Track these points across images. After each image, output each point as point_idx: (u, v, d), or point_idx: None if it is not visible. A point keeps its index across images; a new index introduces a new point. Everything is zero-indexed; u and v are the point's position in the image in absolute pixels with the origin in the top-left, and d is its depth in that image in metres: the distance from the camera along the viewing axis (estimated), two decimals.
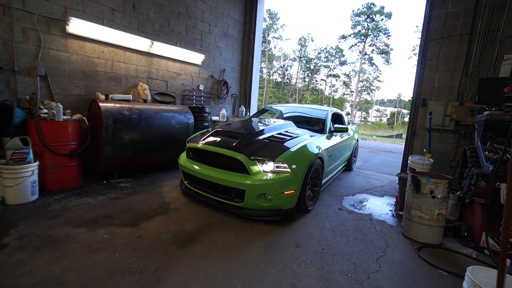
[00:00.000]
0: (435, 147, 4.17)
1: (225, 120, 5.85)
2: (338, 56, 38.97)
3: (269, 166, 2.61)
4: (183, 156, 3.36)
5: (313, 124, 4.06)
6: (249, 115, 6.60)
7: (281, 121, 3.87)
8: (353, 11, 35.95)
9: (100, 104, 3.52)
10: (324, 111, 4.29)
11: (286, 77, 42.41)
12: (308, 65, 40.40)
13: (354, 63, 39.41)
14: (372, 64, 37.53)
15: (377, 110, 46.47)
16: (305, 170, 2.76)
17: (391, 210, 3.40)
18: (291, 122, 3.85)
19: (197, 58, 5.58)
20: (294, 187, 2.66)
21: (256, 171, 2.61)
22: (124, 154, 3.73)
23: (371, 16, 35.07)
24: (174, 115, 4.45)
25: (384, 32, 35.47)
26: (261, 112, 4.96)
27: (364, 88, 39.72)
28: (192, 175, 3.03)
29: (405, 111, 40.73)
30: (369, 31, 35.54)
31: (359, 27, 36.11)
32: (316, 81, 41.94)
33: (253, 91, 7.03)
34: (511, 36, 3.68)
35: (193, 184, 3.16)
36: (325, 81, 41.52)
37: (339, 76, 40.30)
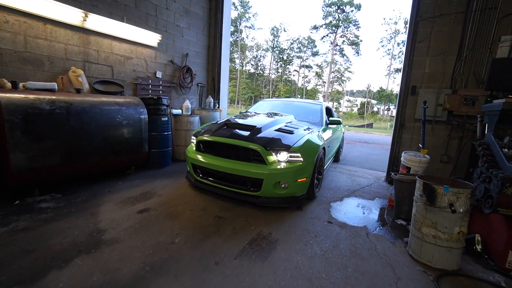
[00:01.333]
0: (425, 140, 3.73)
1: (189, 113, 4.95)
2: (310, 47, 38.87)
3: (283, 156, 2.74)
4: (190, 149, 3.34)
5: (310, 118, 4.11)
6: (218, 106, 5.76)
7: (283, 114, 3.94)
8: (324, 1, 35.75)
9: (0, 94, 2.49)
10: (318, 105, 4.49)
11: (259, 67, 41.54)
12: (281, 56, 39.82)
13: (326, 54, 39.66)
14: (343, 55, 38.03)
15: (348, 101, 47.70)
16: (315, 159, 2.96)
17: (387, 218, 2.88)
18: (292, 115, 3.93)
19: (151, 38, 4.58)
20: (306, 174, 2.83)
21: (272, 161, 2.73)
22: (46, 162, 2.79)
23: (341, 7, 35.20)
24: (120, 109, 3.51)
25: (354, 23, 35.93)
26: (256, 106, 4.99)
27: (336, 79, 40.30)
28: (204, 167, 3.03)
29: (374, 101, 42.32)
30: (340, 22, 35.75)
31: (330, 18, 36.15)
32: (289, 72, 41.68)
33: (222, 80, 6.14)
34: (510, 14, 3.28)
35: (204, 176, 3.13)
36: (298, 72, 41.41)
37: (311, 67, 40.37)
